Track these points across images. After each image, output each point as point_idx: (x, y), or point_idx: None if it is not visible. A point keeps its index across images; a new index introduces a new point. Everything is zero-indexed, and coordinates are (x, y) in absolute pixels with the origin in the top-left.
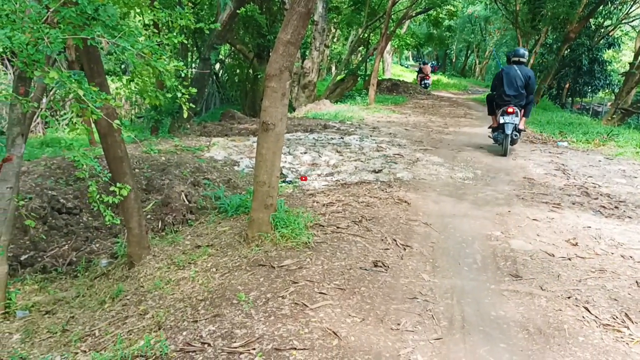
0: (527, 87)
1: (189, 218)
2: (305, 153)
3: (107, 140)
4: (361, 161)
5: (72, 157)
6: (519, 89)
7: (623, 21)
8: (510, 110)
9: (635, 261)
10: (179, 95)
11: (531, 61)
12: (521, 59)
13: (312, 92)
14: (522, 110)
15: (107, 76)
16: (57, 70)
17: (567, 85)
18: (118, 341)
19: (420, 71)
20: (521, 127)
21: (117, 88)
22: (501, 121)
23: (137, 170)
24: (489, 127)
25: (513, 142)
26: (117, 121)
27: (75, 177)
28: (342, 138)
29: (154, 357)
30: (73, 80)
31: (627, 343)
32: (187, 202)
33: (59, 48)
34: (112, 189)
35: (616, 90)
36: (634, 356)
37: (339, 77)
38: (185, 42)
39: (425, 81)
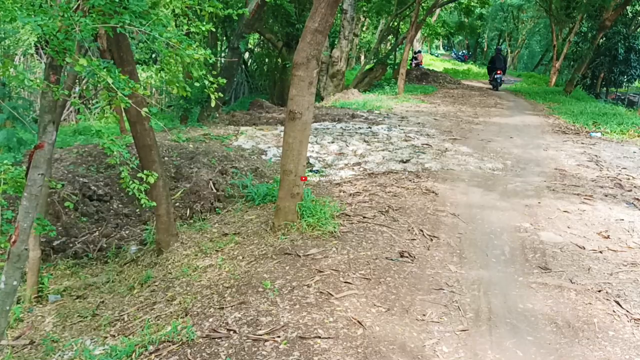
0: (504, 62)
1: (217, 206)
2: (332, 142)
3: (136, 128)
4: (389, 151)
5: (101, 144)
6: (501, 63)
7: None
8: (498, 72)
9: None
10: (207, 84)
11: (564, 50)
12: (500, 52)
13: (340, 82)
14: (501, 71)
15: (137, 65)
16: (87, 58)
17: (601, 75)
18: (146, 326)
19: (414, 58)
20: (500, 80)
21: (146, 77)
22: (495, 77)
23: (166, 158)
24: (489, 82)
25: (499, 85)
26: (146, 109)
27: (106, 165)
28: (369, 127)
29: (180, 342)
30: (102, 68)
31: None
32: (214, 190)
33: (88, 36)
34: (139, 175)
35: None
36: None
37: (367, 66)
38: (214, 30)
39: (420, 66)
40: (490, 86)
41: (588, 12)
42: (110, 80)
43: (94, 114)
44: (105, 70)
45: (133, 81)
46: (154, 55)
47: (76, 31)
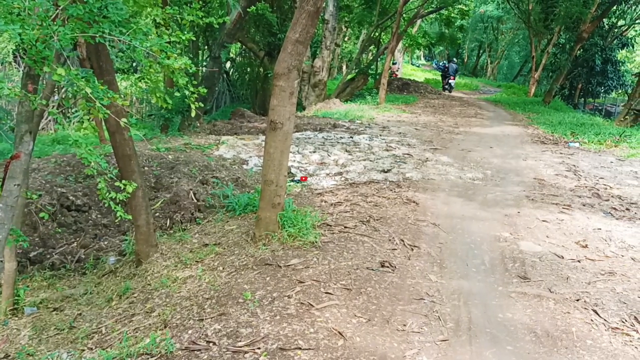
0: (455, 71)
1: (197, 216)
2: (314, 152)
3: (115, 138)
4: (370, 161)
5: (79, 154)
6: (454, 71)
7: (637, 21)
8: (452, 78)
9: None
10: (187, 94)
11: (543, 61)
12: (452, 61)
13: (322, 91)
14: (453, 77)
15: (117, 74)
16: (65, 68)
17: (579, 86)
18: (124, 339)
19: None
20: (453, 84)
21: (126, 87)
22: (449, 82)
23: (146, 168)
24: (442, 86)
25: (452, 89)
26: (125, 119)
27: (85, 175)
28: (351, 137)
29: (159, 355)
30: (80, 78)
31: (636, 347)
32: (195, 201)
33: (67, 44)
34: (116, 183)
35: (629, 91)
36: None
37: (349, 76)
38: (196, 40)
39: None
40: (443, 90)
41: (566, 24)
42: (88, 90)
43: (73, 124)
44: (84, 80)
45: (112, 91)
46: (134, 65)
47: (55, 40)
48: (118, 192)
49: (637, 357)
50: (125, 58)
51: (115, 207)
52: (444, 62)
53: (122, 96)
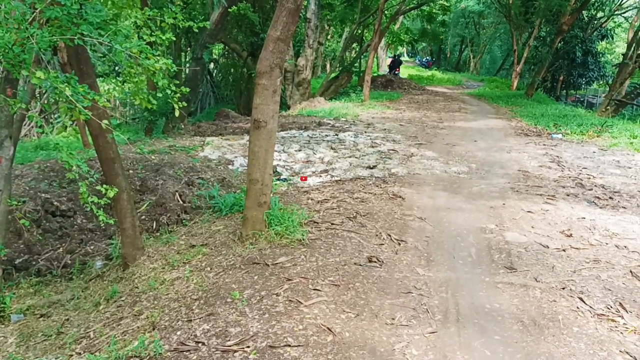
0: (399, 64)
1: (184, 218)
2: (299, 150)
3: (98, 142)
4: (356, 157)
5: (60, 158)
6: (398, 65)
7: (615, 12)
8: (397, 70)
9: (630, 251)
10: (169, 92)
11: (525, 54)
12: (400, 57)
13: (306, 90)
14: (398, 69)
15: (100, 78)
16: (44, 70)
17: (561, 78)
18: (112, 342)
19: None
20: (398, 74)
21: (107, 90)
22: (395, 73)
23: (130, 171)
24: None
25: (396, 75)
26: (106, 121)
27: (69, 180)
28: (336, 135)
29: (148, 357)
30: (60, 81)
31: (621, 332)
32: (181, 202)
33: (45, 47)
34: (98, 187)
35: (610, 82)
36: (628, 345)
37: (333, 74)
38: (177, 41)
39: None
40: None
41: (546, 17)
42: (68, 92)
43: (56, 129)
44: (64, 83)
45: (94, 92)
46: (116, 68)
47: (32, 43)
48: (101, 198)
49: (623, 342)
50: (107, 62)
51: (97, 212)
52: (427, 58)
53: (107, 99)
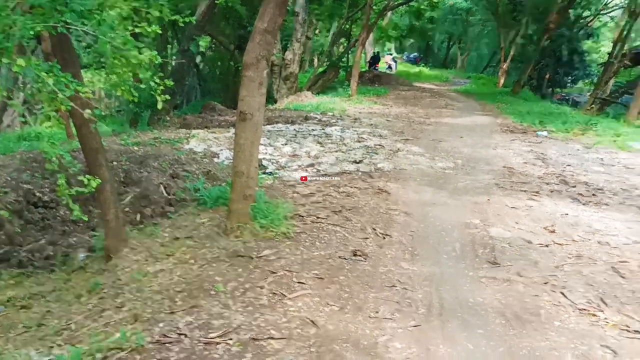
0: (378, 61)
1: (168, 210)
2: (285, 144)
3: (82, 132)
4: (342, 152)
5: (40, 147)
6: (377, 62)
7: (601, 12)
8: (377, 65)
9: (612, 247)
10: (153, 85)
11: (512, 52)
12: (379, 54)
13: (293, 84)
14: (377, 64)
15: (85, 69)
16: (25, 58)
17: (547, 76)
18: (94, 334)
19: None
20: (377, 70)
21: (92, 81)
22: (374, 68)
23: (115, 162)
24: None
25: (376, 70)
26: (89, 111)
27: (52, 170)
28: (323, 129)
29: (129, 349)
30: (42, 69)
31: (602, 327)
32: (166, 195)
33: (28, 35)
34: (80, 177)
35: (595, 81)
36: (608, 339)
37: (320, 69)
38: (161, 31)
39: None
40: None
41: (533, 15)
42: (50, 81)
43: (39, 119)
44: (47, 71)
45: (77, 81)
46: (102, 60)
47: (14, 30)
48: (82, 188)
49: (603, 336)
50: (92, 53)
51: (72, 206)
52: (415, 54)
53: (91, 90)
